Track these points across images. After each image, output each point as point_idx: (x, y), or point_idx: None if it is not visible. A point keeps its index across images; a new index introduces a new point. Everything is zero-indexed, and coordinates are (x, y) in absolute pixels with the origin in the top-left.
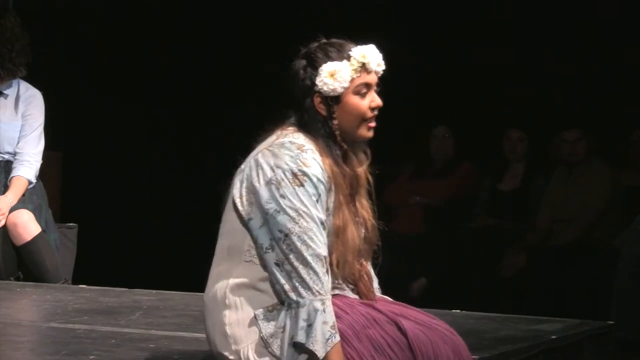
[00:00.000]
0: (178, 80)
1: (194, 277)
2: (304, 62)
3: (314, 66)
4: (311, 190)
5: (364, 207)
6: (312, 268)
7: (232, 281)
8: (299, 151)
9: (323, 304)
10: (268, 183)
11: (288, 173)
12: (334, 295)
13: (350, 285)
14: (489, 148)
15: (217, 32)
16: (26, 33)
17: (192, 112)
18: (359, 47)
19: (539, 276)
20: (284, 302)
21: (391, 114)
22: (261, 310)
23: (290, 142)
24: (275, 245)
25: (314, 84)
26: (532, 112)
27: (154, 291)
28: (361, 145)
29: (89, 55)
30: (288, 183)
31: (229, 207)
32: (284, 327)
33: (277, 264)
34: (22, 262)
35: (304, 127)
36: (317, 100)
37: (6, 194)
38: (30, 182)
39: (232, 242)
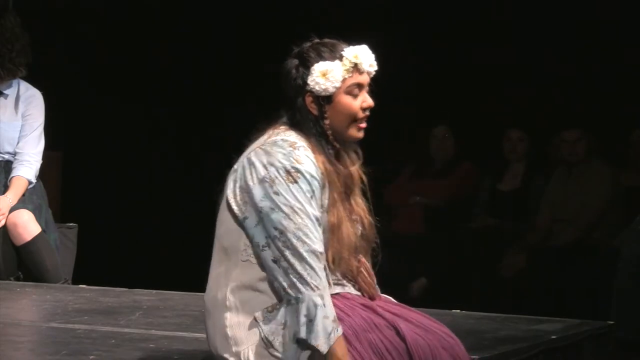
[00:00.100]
0: (178, 80)
1: (194, 277)
2: (296, 61)
3: (306, 65)
4: (305, 187)
5: (359, 204)
6: (308, 264)
7: (232, 283)
8: (291, 148)
9: (322, 298)
10: (261, 181)
11: (281, 170)
12: (335, 294)
13: (351, 282)
14: (489, 148)
15: (217, 32)
16: (26, 33)
17: (192, 112)
18: (351, 47)
19: (539, 276)
20: (283, 300)
21: (391, 114)
22: (261, 312)
23: (283, 139)
24: (271, 242)
25: (305, 83)
26: (532, 112)
27: (154, 291)
28: (352, 145)
29: (89, 55)
30: (282, 180)
31: (223, 207)
32: (284, 324)
33: (274, 261)
34: (22, 262)
35: (296, 126)
36: (308, 99)
37: (6, 194)
38: (30, 182)
39: (229, 242)
